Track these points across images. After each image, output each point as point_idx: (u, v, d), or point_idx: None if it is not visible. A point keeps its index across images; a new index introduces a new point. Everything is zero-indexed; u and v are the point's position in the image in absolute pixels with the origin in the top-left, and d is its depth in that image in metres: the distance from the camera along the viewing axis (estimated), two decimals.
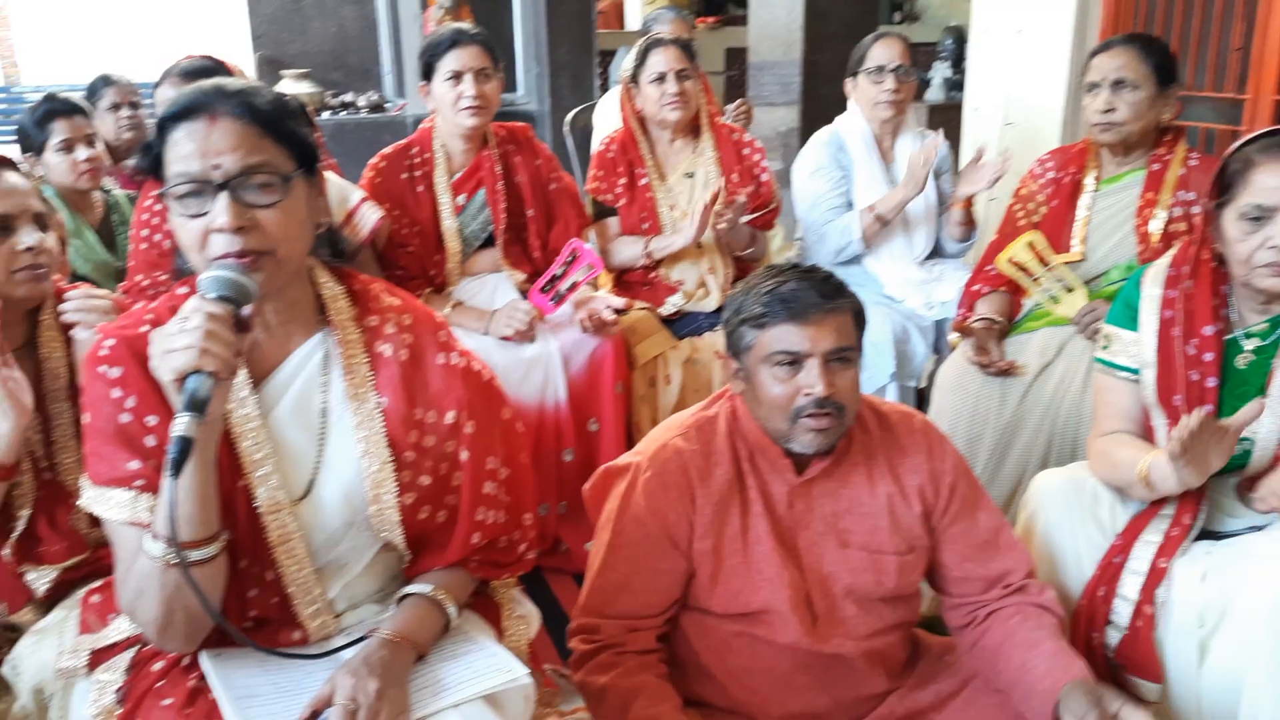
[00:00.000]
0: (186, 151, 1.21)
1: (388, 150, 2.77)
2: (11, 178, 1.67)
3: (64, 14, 11.90)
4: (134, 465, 1.24)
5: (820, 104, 4.48)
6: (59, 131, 2.81)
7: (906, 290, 2.89)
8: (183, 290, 1.34)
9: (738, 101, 3.78)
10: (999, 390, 2.42)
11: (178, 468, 1.11)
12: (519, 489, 1.49)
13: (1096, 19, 3.37)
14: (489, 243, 2.78)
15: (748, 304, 1.58)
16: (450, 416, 1.39)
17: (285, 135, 1.26)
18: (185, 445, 1.11)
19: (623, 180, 2.93)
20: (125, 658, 1.33)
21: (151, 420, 1.25)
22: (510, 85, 6.83)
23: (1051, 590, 1.67)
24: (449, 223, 2.72)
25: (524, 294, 2.73)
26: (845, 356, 1.55)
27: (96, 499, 1.26)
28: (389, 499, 1.35)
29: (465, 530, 1.40)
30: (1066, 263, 2.44)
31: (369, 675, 1.21)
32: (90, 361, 1.28)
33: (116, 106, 3.32)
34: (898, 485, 1.66)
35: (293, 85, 6.33)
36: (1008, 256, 2.46)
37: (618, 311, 2.66)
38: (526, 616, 1.55)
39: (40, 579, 1.61)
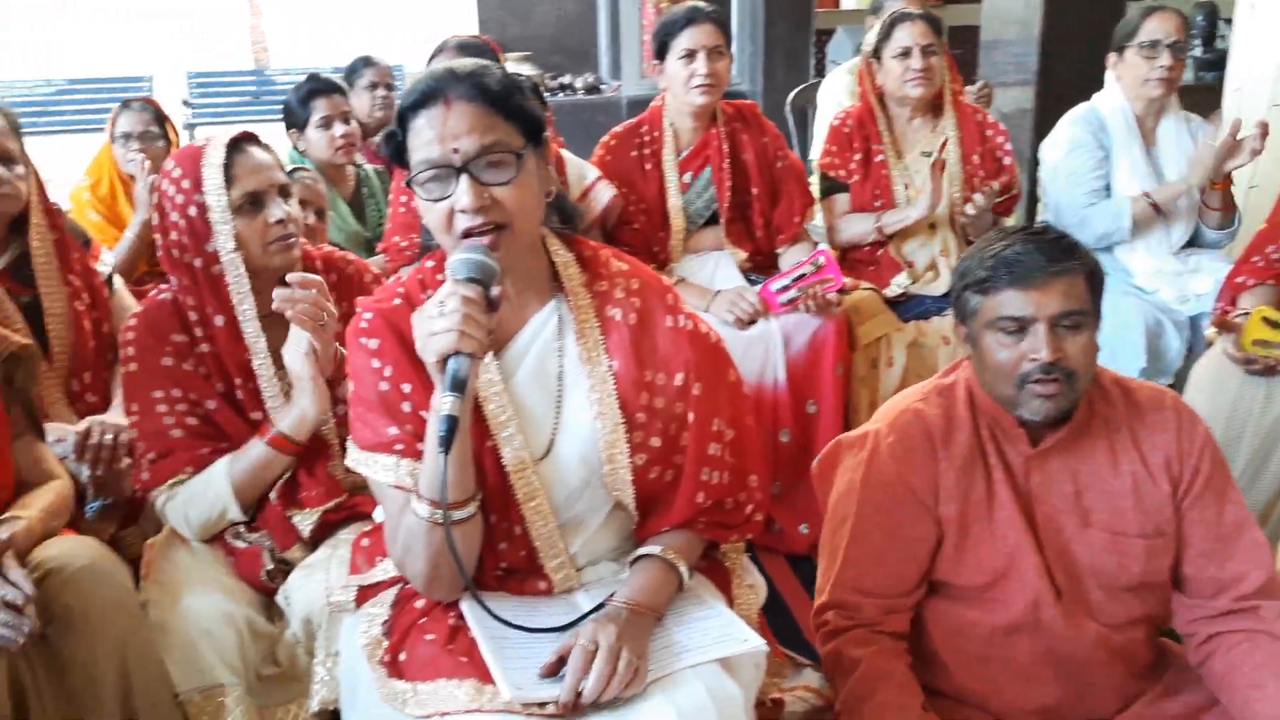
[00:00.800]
0: (427, 139, 1.28)
1: (618, 129, 2.83)
2: (258, 153, 1.79)
3: (309, 3, 12.79)
4: (393, 431, 1.33)
5: (1057, 84, 4.24)
6: (320, 109, 3.03)
7: (1159, 282, 2.69)
8: (429, 264, 1.44)
9: (980, 83, 3.63)
10: (1263, 390, 2.22)
11: (447, 444, 1.18)
12: (744, 450, 1.49)
13: None
14: (713, 220, 2.79)
15: (973, 269, 1.54)
16: (679, 378, 1.41)
17: (515, 112, 1.31)
18: (452, 424, 1.18)
19: (857, 156, 2.87)
20: (390, 594, 1.43)
21: (406, 388, 1.34)
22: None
23: None
24: (674, 200, 2.75)
25: (745, 273, 2.73)
26: (1075, 321, 1.48)
27: (362, 461, 1.36)
28: (622, 459, 1.39)
29: (690, 490, 1.42)
30: None
31: (610, 624, 1.26)
32: (352, 334, 1.38)
33: (373, 86, 3.53)
34: (1143, 462, 1.55)
35: (513, 68, 6.55)
36: (1249, 339, 2.23)
37: (841, 291, 2.62)
38: (755, 586, 1.55)
39: (304, 521, 1.74)
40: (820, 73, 6.88)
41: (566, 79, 7.23)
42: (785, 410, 2.59)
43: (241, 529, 1.74)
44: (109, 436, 1.89)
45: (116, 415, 1.97)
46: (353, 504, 1.79)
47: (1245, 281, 2.38)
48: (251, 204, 1.73)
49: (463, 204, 1.26)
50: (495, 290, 1.25)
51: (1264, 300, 2.32)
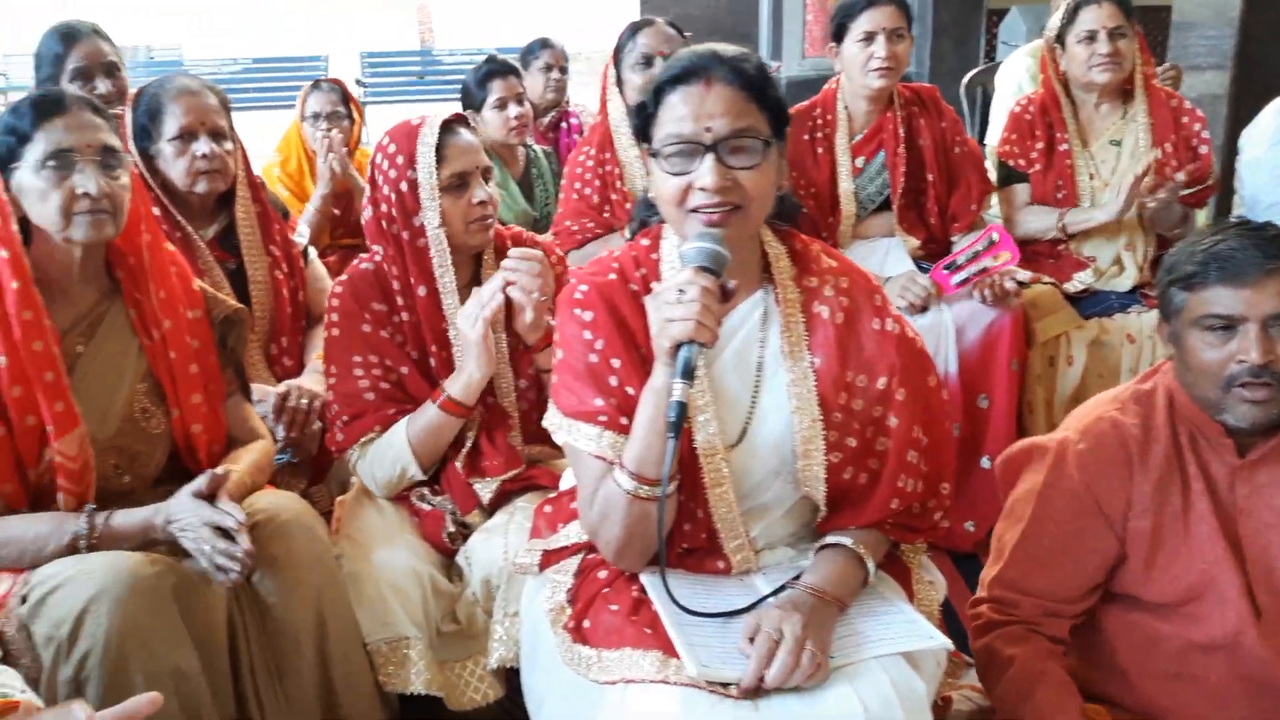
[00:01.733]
0: (681, 114, 1.31)
1: (791, 110, 2.79)
2: (467, 136, 1.86)
3: None
4: (599, 403, 1.36)
5: (1256, 69, 3.97)
6: (495, 90, 3.11)
7: None
8: (644, 242, 1.47)
9: (1166, 65, 3.43)
10: None
11: (676, 429, 1.22)
12: (939, 457, 1.47)
13: None
14: (885, 206, 2.74)
15: (1180, 263, 1.48)
16: (881, 382, 1.41)
17: (769, 102, 1.34)
18: (682, 409, 1.22)
19: (1039, 145, 2.75)
20: (573, 562, 1.47)
21: (616, 363, 1.37)
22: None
23: None
24: (845, 185, 2.71)
25: (916, 261, 2.67)
26: None
27: (563, 427, 1.39)
28: (817, 455, 1.38)
29: (885, 495, 1.41)
30: None
31: (795, 613, 1.26)
32: (566, 304, 1.42)
33: (549, 68, 3.60)
34: None
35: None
36: None
37: (1020, 284, 2.52)
38: (935, 583, 1.53)
39: (485, 488, 1.81)
40: (991, 55, 6.62)
41: None
42: (955, 403, 2.52)
43: (426, 492, 1.83)
44: (304, 401, 2.00)
45: (310, 380, 2.08)
46: (529, 476, 1.85)
47: None
48: (458, 184, 1.80)
49: (705, 182, 1.29)
50: (732, 283, 1.28)
51: None
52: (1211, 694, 1.51)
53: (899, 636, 1.29)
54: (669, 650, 1.26)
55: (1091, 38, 2.63)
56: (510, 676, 1.66)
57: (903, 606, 1.38)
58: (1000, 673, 1.55)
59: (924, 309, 2.51)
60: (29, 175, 1.54)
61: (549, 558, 1.50)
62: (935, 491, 1.47)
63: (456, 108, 2.81)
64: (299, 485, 2.04)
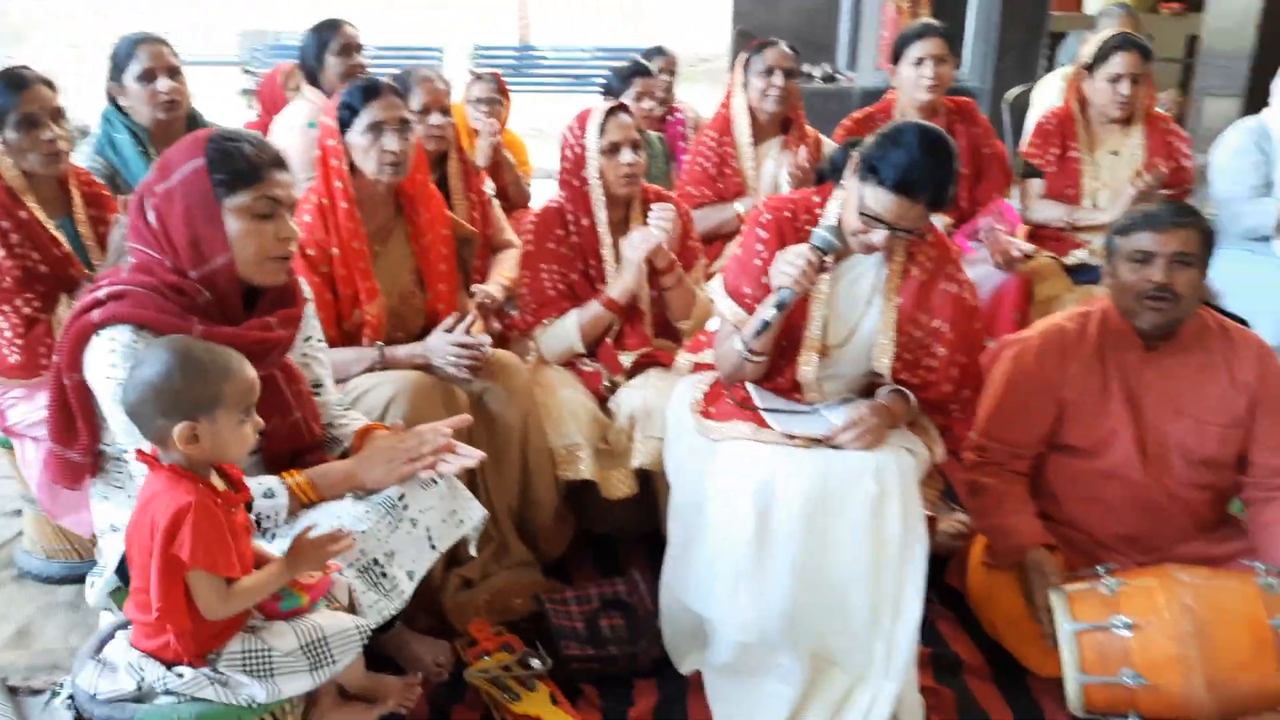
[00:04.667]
0: (886, 205, 1.99)
1: (857, 114, 3.58)
2: (624, 118, 2.66)
3: None
4: (747, 290, 2.18)
5: (1265, 97, 4.61)
6: (635, 86, 3.93)
7: None
8: (816, 198, 2.25)
9: (1170, 90, 4.13)
10: None
11: (765, 329, 2.05)
12: (968, 379, 2.26)
13: None
14: None
15: (1121, 221, 2.26)
16: (937, 323, 2.19)
17: (936, 206, 2.07)
18: (765, 326, 2.04)
19: (1055, 151, 3.45)
20: (709, 376, 2.33)
21: (767, 269, 2.13)
22: (956, 63, 7.38)
23: None
24: None
25: (949, 233, 3.43)
26: (1186, 260, 2.14)
27: (720, 295, 2.22)
28: (886, 361, 2.19)
29: (928, 389, 2.22)
30: None
31: (868, 409, 2.08)
32: (753, 220, 2.23)
33: (662, 71, 4.39)
34: (1229, 377, 2.21)
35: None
36: None
37: (1026, 255, 3.28)
38: (936, 437, 2.31)
39: (626, 358, 2.64)
40: (1050, 70, 7.29)
41: (805, 67, 7.95)
42: None
43: (586, 360, 2.66)
44: (487, 298, 2.84)
45: (493, 286, 2.93)
46: (655, 355, 2.67)
47: None
48: (612, 149, 2.62)
49: (877, 240, 2.02)
50: (830, 259, 2.06)
51: None
52: (1110, 509, 2.28)
53: (911, 443, 2.12)
54: (762, 424, 2.09)
55: (1116, 80, 3.25)
56: (644, 480, 2.49)
57: (909, 435, 2.20)
58: (979, 494, 2.34)
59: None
60: (356, 135, 2.39)
61: (696, 368, 2.35)
62: (959, 398, 2.27)
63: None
64: None
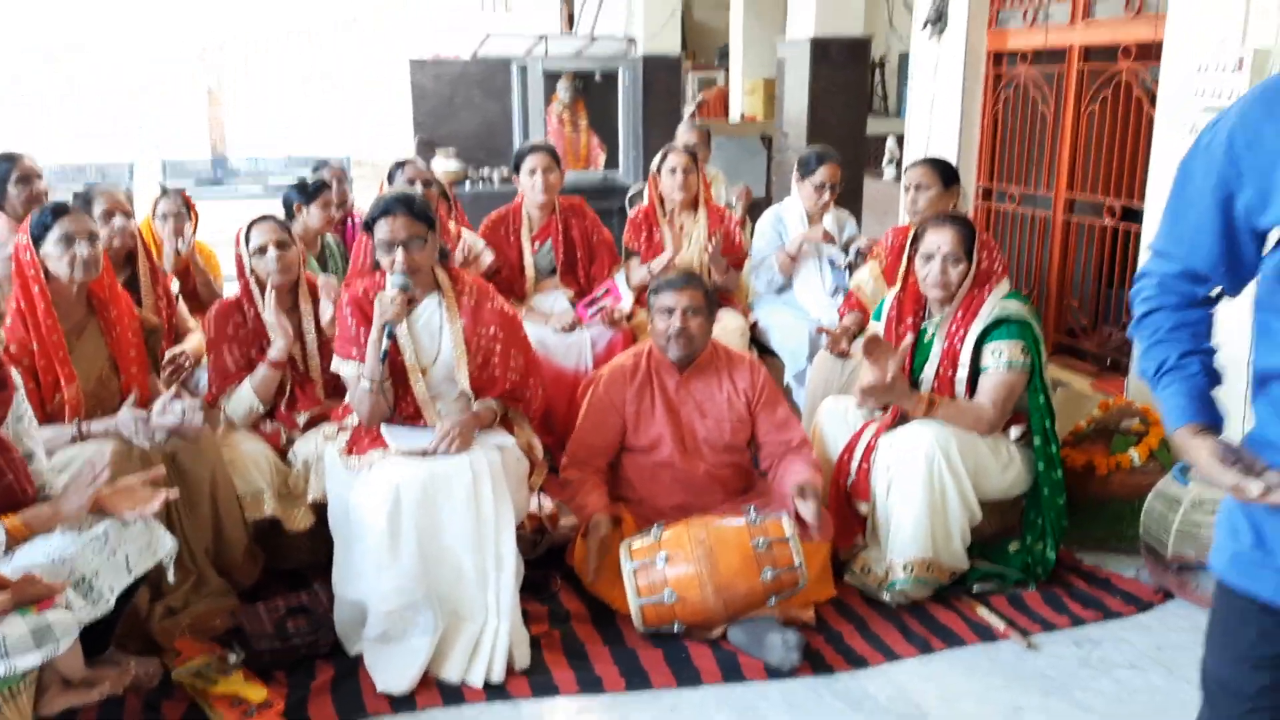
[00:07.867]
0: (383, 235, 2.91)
1: (493, 215, 4.45)
2: (265, 224, 3.36)
3: (262, 97, 14.41)
4: (354, 350, 2.93)
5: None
6: (321, 197, 4.59)
7: (818, 311, 4.34)
8: (379, 278, 3.02)
9: (739, 184, 5.36)
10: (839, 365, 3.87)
11: (382, 358, 2.84)
12: (528, 368, 3.10)
13: None
14: (553, 272, 4.41)
15: (653, 285, 3.19)
16: (492, 329, 3.02)
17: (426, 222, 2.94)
18: (384, 352, 2.82)
19: (643, 235, 4.49)
20: (351, 422, 3.02)
21: (361, 331, 2.90)
22: (613, 163, 8.58)
23: (813, 450, 3.16)
24: (528, 259, 4.37)
25: (571, 303, 4.33)
26: (697, 310, 3.12)
27: (337, 365, 2.96)
28: (464, 369, 2.97)
29: (501, 384, 3.02)
30: None
31: (452, 422, 2.83)
32: (338, 305, 2.98)
33: (411, 181, 4.98)
34: (734, 387, 3.19)
35: (442, 162, 8.19)
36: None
37: (629, 318, 4.23)
38: (535, 442, 3.12)
39: (301, 417, 3.28)
40: None
41: (485, 171, 8.86)
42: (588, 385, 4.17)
43: (267, 421, 3.27)
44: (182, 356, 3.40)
45: (184, 346, 3.48)
46: (325, 412, 3.32)
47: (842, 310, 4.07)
48: (260, 251, 3.28)
49: (398, 258, 2.87)
50: (418, 292, 2.86)
51: (851, 323, 3.98)
52: (665, 488, 3.19)
53: (504, 438, 2.89)
54: (385, 447, 2.81)
55: (673, 171, 4.35)
56: (319, 513, 3.12)
57: (504, 436, 2.97)
58: (567, 485, 3.18)
59: (571, 330, 4.15)
60: (50, 247, 2.90)
61: (339, 429, 3.03)
62: (528, 384, 3.10)
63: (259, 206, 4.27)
64: None
